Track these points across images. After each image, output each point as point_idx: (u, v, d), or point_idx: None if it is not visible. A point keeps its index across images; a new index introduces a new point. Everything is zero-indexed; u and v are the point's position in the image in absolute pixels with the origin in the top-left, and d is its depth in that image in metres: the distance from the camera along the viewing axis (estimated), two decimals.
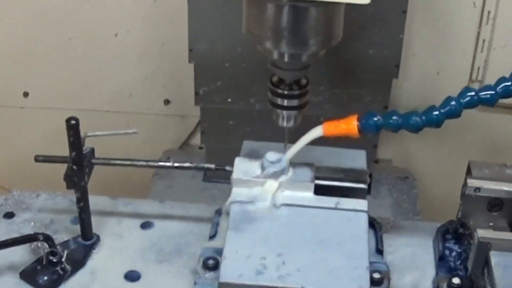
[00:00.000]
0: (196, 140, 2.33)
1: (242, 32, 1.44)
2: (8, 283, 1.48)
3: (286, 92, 1.47)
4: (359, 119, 1.44)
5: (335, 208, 1.49)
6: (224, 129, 2.06)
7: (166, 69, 2.25)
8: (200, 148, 2.28)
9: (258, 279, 1.35)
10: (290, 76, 1.46)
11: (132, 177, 2.15)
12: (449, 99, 1.42)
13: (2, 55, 2.26)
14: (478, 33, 2.07)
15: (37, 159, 1.52)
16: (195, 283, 1.43)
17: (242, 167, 1.53)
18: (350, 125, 1.44)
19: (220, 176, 2.09)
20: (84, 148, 1.47)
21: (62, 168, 1.53)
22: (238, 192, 1.51)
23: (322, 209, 1.49)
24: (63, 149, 1.47)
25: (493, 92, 1.41)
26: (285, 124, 1.50)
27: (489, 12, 2.04)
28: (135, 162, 1.57)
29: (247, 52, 1.92)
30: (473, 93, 1.41)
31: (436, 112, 1.42)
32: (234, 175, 1.51)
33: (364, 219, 1.48)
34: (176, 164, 1.58)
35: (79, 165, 1.46)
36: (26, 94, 2.31)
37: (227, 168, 1.53)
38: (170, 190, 2.13)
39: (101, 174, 1.60)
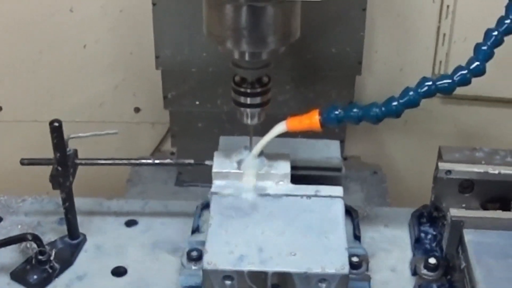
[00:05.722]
0: (167, 146, 2.35)
1: (204, 34, 1.46)
2: None
3: (248, 91, 1.50)
4: (320, 113, 1.48)
5: (313, 196, 1.53)
6: (193, 131, 2.09)
7: (135, 78, 2.27)
8: (172, 153, 2.30)
9: (240, 265, 1.38)
10: (252, 75, 1.49)
11: (107, 182, 2.18)
12: (407, 89, 1.45)
13: None
14: (438, 28, 2.10)
15: (23, 162, 1.54)
16: (180, 274, 1.46)
17: (221, 161, 1.57)
18: (312, 120, 1.47)
19: (193, 179, 2.12)
20: (68, 149, 1.50)
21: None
22: (218, 185, 1.55)
23: (299, 197, 1.53)
24: None
25: (450, 80, 1.44)
26: (249, 121, 1.53)
27: (448, 6, 2.07)
28: (117, 161, 1.62)
29: (212, 56, 1.94)
30: (430, 83, 1.44)
31: (395, 103, 1.45)
32: (214, 169, 1.56)
33: (340, 205, 1.52)
34: (157, 161, 1.63)
35: (63, 165, 1.49)
36: None
37: (207, 162, 1.58)
38: (143, 196, 2.15)
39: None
